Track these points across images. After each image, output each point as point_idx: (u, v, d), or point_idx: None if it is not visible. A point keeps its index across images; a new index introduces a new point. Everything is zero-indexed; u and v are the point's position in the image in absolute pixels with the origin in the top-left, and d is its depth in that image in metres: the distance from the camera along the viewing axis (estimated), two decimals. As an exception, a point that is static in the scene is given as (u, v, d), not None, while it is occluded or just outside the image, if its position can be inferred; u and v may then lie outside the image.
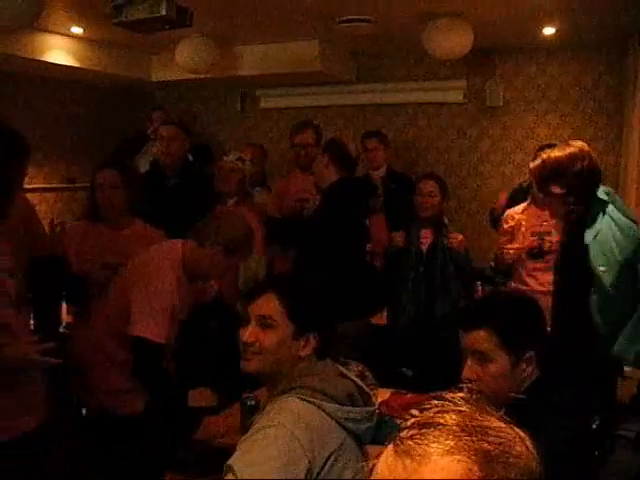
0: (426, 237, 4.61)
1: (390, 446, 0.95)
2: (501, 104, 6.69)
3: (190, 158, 5.38)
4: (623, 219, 3.04)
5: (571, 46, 6.32)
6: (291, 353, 2.15)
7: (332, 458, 1.96)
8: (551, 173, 3.15)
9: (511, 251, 4.23)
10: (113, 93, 7.42)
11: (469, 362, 2.14)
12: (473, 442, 0.89)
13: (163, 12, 3.74)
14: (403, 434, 0.93)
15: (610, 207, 3.06)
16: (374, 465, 0.97)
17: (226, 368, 2.64)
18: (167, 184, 4.89)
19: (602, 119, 6.37)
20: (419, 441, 0.91)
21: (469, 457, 0.88)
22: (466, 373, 2.14)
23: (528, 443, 0.95)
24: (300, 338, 2.16)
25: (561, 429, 1.91)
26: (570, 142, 3.24)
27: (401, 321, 4.62)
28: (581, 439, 2.06)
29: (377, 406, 2.27)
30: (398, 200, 5.02)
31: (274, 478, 1.80)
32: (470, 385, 2.04)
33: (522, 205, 4.41)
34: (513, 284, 4.34)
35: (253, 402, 2.91)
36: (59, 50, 5.89)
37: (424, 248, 4.59)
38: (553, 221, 3.67)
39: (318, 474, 1.92)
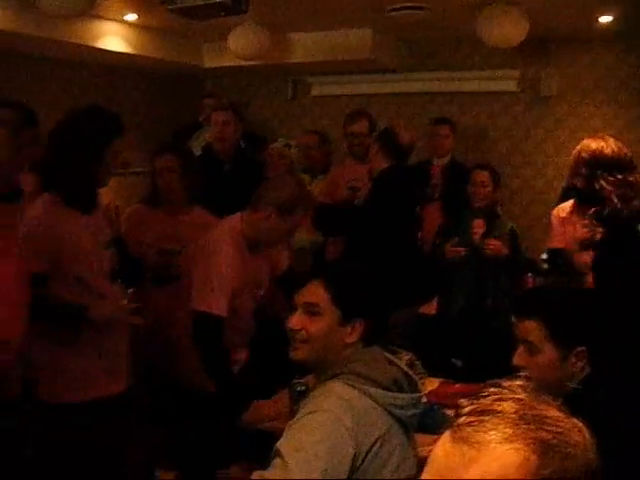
0: (479, 227, 4.58)
1: (447, 432, 0.94)
2: (555, 94, 6.58)
3: (242, 144, 5.40)
4: None
5: (628, 35, 6.15)
6: (338, 340, 2.17)
7: (378, 444, 1.98)
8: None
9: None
10: (166, 80, 7.47)
11: (520, 350, 2.16)
12: (531, 431, 0.89)
13: (218, -1, 3.77)
14: (461, 420, 0.93)
15: None
16: (430, 451, 0.96)
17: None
18: (222, 169, 4.92)
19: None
20: (477, 428, 0.90)
21: (527, 445, 0.87)
22: (516, 360, 2.15)
23: (586, 434, 0.94)
24: (346, 324, 2.17)
25: (616, 424, 1.89)
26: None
27: (451, 311, 4.61)
28: (637, 435, 2.03)
29: (424, 394, 2.27)
30: (457, 190, 4.99)
31: (321, 462, 1.82)
32: (527, 373, 2.03)
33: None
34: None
35: (303, 388, 2.92)
36: (113, 37, 5.94)
37: (476, 238, 4.56)
38: None
39: (364, 459, 1.94)
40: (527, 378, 1.41)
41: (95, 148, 2.95)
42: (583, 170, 3.29)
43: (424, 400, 2.28)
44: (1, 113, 3.75)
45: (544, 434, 0.89)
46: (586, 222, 4.13)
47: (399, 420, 2.08)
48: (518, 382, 0.98)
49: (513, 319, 2.20)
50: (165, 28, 6.22)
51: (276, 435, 2.01)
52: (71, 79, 6.56)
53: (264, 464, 1.93)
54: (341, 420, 1.91)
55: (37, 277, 2.77)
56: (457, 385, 3.40)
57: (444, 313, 4.71)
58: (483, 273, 4.51)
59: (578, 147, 3.42)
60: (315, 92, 7.62)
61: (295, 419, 1.99)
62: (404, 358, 2.29)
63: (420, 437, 2.33)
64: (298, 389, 2.94)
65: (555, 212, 4.39)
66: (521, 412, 0.91)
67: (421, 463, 2.16)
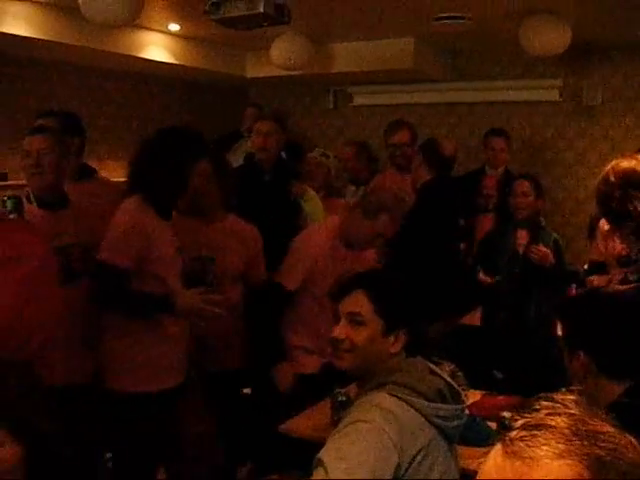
0: (522, 238, 4.54)
1: (498, 446, 0.93)
2: (599, 103, 6.51)
3: (283, 155, 5.41)
4: None
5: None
6: (381, 350, 2.17)
7: (421, 454, 1.97)
8: None
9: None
10: (208, 90, 7.53)
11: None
12: (584, 447, 0.87)
13: (261, 9, 3.77)
14: (513, 435, 0.91)
15: None
16: (480, 464, 0.95)
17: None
18: (263, 179, 4.93)
19: None
20: (530, 443, 0.88)
21: (580, 462, 0.86)
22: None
23: None
24: (390, 334, 2.18)
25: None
26: None
27: (494, 322, 4.57)
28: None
29: (467, 405, 2.26)
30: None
31: (364, 472, 1.81)
32: (580, 388, 2.00)
33: None
34: None
35: (344, 398, 2.92)
36: (157, 47, 6.01)
37: (520, 249, 4.52)
38: None
39: (407, 470, 1.93)
40: (580, 392, 1.40)
41: (183, 163, 3.22)
42: (617, 193, 3.24)
43: (466, 412, 2.27)
44: (47, 122, 3.83)
45: (598, 450, 0.87)
46: (623, 238, 4.09)
47: (442, 431, 2.07)
48: (571, 396, 0.96)
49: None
50: (208, 38, 6.27)
51: (317, 445, 2.01)
52: (115, 89, 6.64)
53: (305, 474, 1.92)
54: (385, 430, 1.90)
55: (117, 270, 2.99)
56: (500, 397, 3.36)
57: (487, 324, 4.67)
58: (527, 285, 4.47)
59: (605, 171, 3.37)
60: (356, 102, 7.63)
61: (338, 429, 1.99)
62: (447, 369, 2.28)
63: (467, 450, 2.31)
64: (340, 399, 2.95)
65: (601, 224, 4.34)
66: (574, 427, 0.89)
67: (467, 476, 2.15)
